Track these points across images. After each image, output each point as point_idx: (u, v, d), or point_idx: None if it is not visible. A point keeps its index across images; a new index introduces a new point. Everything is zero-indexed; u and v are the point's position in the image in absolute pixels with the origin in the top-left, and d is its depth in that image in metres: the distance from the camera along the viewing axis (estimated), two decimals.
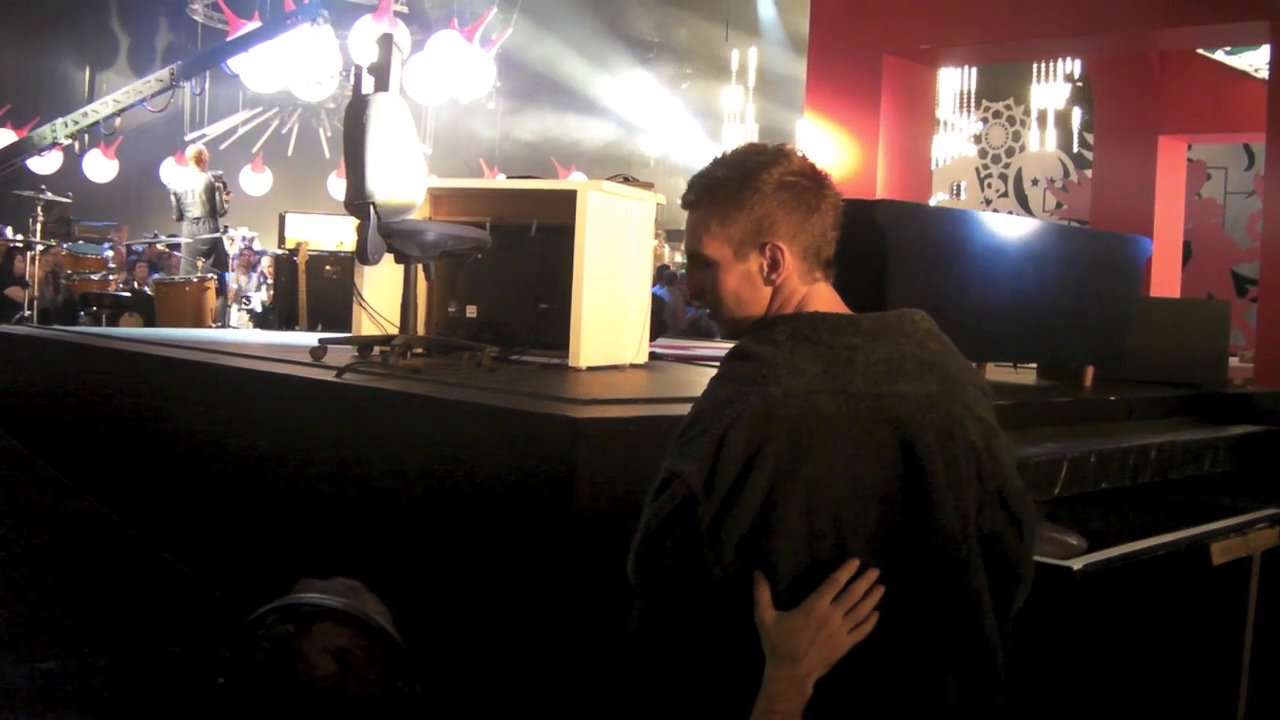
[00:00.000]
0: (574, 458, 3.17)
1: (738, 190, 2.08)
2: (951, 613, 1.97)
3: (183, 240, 12.99)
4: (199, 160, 13.13)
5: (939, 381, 2.02)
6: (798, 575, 1.91)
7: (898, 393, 1.97)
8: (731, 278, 2.11)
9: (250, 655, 1.66)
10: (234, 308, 12.91)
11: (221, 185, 13.08)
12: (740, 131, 22.95)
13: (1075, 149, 18.35)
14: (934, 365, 2.04)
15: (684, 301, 16.45)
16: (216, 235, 12.74)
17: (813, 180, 2.08)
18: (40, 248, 12.26)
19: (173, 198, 12.85)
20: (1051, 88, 18.26)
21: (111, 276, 12.62)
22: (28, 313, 11.98)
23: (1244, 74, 12.67)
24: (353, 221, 5.32)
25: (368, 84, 5.34)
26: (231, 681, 1.67)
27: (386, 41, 5.46)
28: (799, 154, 2.10)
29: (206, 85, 12.74)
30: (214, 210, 12.80)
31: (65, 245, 13.00)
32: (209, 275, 12.24)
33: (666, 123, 24.88)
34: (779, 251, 2.08)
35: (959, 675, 1.97)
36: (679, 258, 22.42)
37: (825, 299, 2.11)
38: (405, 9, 18.21)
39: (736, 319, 2.14)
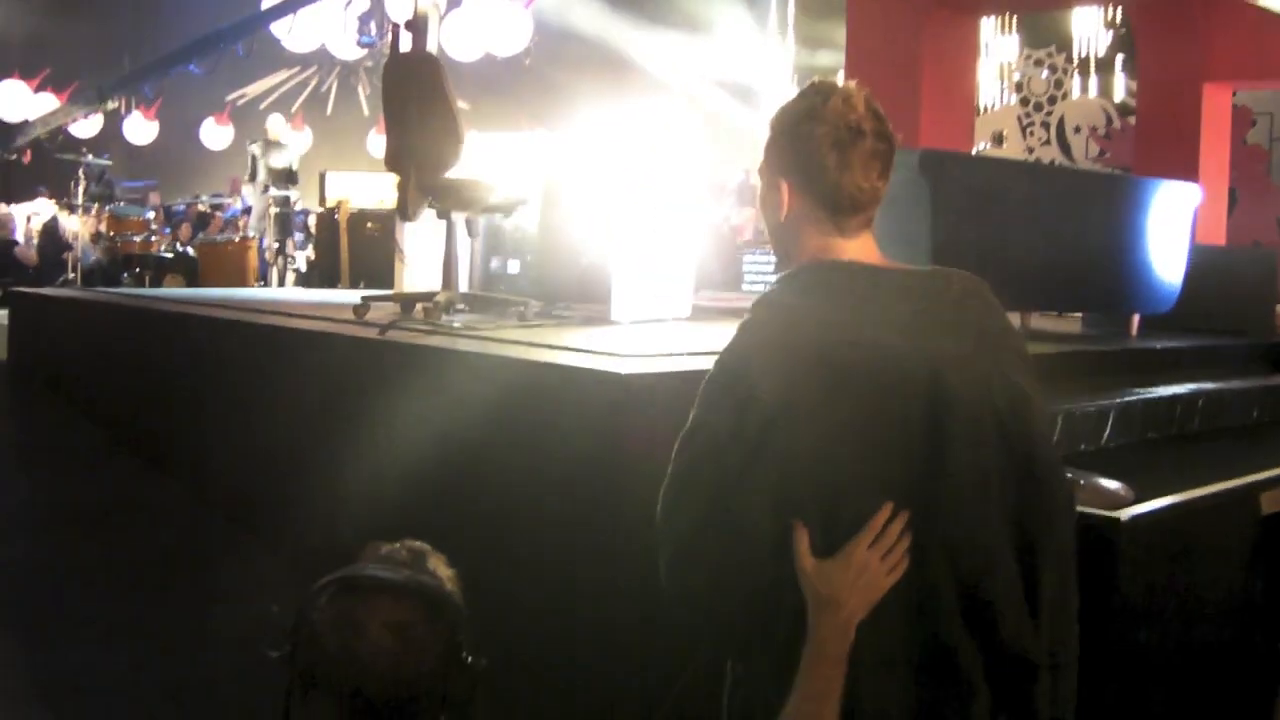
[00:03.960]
0: (620, 411, 3.18)
1: (774, 123, 2.10)
2: (965, 570, 1.93)
3: (254, 201, 13.02)
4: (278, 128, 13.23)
5: (973, 340, 1.99)
6: (825, 525, 1.91)
7: (925, 348, 1.94)
8: (764, 204, 2.15)
9: (311, 628, 1.66)
10: (273, 268, 12.92)
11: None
12: (778, 87, 22.82)
13: (1119, 97, 18.12)
14: (969, 324, 2.01)
15: None
16: (287, 194, 12.76)
17: (848, 128, 2.01)
18: (82, 210, 12.35)
19: (249, 159, 12.91)
20: (1094, 35, 18.02)
21: (154, 238, 12.66)
22: (72, 275, 12.07)
23: None
24: (393, 179, 5.32)
25: (406, 42, 5.34)
26: (291, 653, 1.67)
27: None
28: (848, 98, 2.03)
29: (254, 47, 12.69)
30: (290, 177, 12.84)
31: (108, 207, 13.06)
32: (251, 235, 12.27)
33: (703, 81, 24.74)
34: (786, 191, 2.08)
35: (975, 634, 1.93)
36: None
37: (856, 249, 2.07)
38: None
39: (774, 245, 2.18)
